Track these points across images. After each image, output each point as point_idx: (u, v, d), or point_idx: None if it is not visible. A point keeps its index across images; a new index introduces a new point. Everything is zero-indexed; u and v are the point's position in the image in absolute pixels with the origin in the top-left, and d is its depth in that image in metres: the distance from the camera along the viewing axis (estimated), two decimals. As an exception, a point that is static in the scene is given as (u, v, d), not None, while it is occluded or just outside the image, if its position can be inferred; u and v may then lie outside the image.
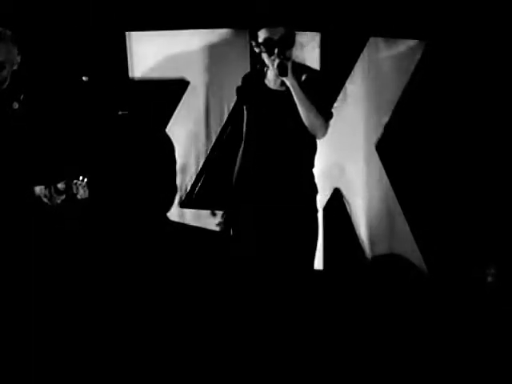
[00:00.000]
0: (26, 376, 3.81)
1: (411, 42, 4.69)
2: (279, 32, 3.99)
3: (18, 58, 3.85)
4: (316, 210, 4.22)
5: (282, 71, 3.96)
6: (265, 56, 4.04)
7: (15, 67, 3.86)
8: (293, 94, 4.00)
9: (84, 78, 4.56)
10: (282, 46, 3.98)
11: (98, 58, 4.71)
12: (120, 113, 4.67)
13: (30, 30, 4.52)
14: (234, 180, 4.24)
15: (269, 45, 4.00)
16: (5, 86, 3.85)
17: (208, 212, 4.76)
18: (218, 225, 4.34)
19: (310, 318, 4.15)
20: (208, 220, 4.75)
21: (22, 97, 3.86)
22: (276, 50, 3.97)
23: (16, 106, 3.84)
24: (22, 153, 3.82)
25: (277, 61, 3.97)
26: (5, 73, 3.80)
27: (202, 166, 4.85)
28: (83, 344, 3.81)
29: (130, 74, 4.80)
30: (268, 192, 4.14)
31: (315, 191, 4.22)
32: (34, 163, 3.84)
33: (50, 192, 3.75)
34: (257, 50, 4.08)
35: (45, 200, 3.77)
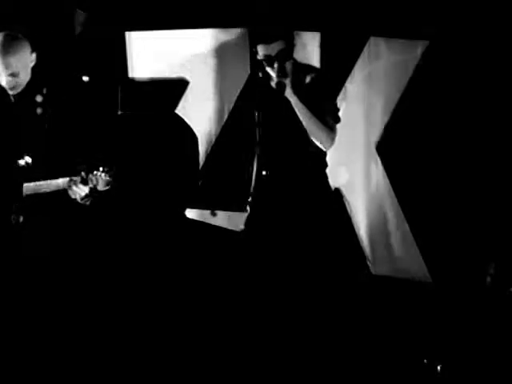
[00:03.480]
0: (26, 376, 3.81)
1: (411, 42, 4.68)
2: (276, 47, 3.98)
3: (33, 56, 3.81)
4: (332, 212, 4.23)
5: (280, 91, 3.98)
6: (268, 69, 4.05)
7: (32, 64, 3.82)
8: (295, 109, 4.00)
9: (84, 79, 4.56)
10: (281, 60, 3.98)
11: (98, 57, 4.71)
12: (120, 113, 4.67)
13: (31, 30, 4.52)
14: (252, 183, 4.24)
15: (268, 60, 4.00)
16: (25, 83, 3.83)
17: (208, 212, 4.76)
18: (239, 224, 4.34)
19: (310, 318, 4.15)
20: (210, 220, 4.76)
21: (44, 90, 3.85)
22: (276, 65, 3.98)
23: (40, 98, 3.84)
24: (47, 145, 3.82)
25: (275, 80, 3.98)
26: (21, 77, 3.78)
27: (203, 165, 4.85)
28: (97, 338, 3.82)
29: (130, 74, 4.81)
30: (284, 194, 4.15)
31: (330, 191, 4.23)
32: (56, 155, 3.83)
33: (74, 183, 3.73)
34: (259, 58, 4.08)
35: (71, 192, 3.76)
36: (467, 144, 4.64)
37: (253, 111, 4.22)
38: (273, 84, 4.03)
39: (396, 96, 4.74)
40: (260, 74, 4.17)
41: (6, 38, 3.75)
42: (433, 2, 4.59)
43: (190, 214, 4.55)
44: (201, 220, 4.42)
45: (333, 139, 4.09)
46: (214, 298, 4.12)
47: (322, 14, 4.67)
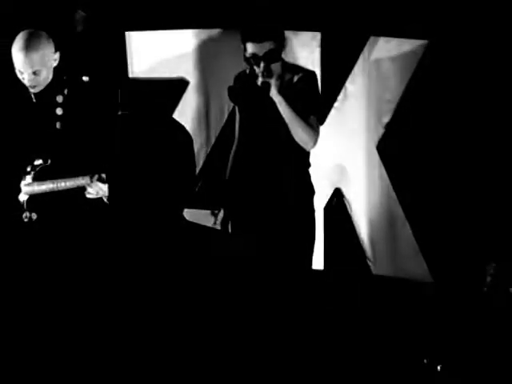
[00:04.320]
0: (28, 376, 3.81)
1: (412, 42, 4.68)
2: (265, 47, 3.99)
3: (56, 55, 3.80)
4: (312, 211, 4.20)
5: (265, 90, 3.99)
6: (255, 67, 4.05)
7: (55, 63, 3.81)
8: (280, 110, 4.01)
9: (84, 79, 4.56)
10: (268, 60, 3.99)
11: (98, 57, 4.71)
12: (120, 113, 4.67)
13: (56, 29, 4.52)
14: (226, 179, 4.26)
15: (255, 59, 4.01)
16: (47, 82, 3.82)
17: (208, 212, 4.76)
18: (215, 224, 4.35)
19: (310, 318, 4.15)
20: (208, 220, 4.75)
21: (66, 90, 3.84)
22: (262, 65, 3.99)
23: (60, 99, 3.83)
24: (65, 145, 3.82)
25: (260, 79, 3.99)
26: (42, 77, 3.76)
27: (202, 165, 4.85)
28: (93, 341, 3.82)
29: (130, 74, 4.81)
30: (261, 192, 4.15)
31: (311, 191, 4.21)
32: (75, 155, 3.82)
33: (99, 179, 3.71)
34: (247, 55, 4.08)
35: (90, 191, 3.73)
36: (468, 144, 4.64)
37: (234, 106, 4.25)
38: (258, 83, 4.03)
39: (397, 96, 4.74)
40: (248, 69, 4.18)
41: (30, 35, 3.73)
42: (433, 2, 4.59)
43: (188, 215, 4.55)
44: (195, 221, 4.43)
45: (316, 140, 4.10)
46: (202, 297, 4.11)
47: (322, 14, 4.67)
